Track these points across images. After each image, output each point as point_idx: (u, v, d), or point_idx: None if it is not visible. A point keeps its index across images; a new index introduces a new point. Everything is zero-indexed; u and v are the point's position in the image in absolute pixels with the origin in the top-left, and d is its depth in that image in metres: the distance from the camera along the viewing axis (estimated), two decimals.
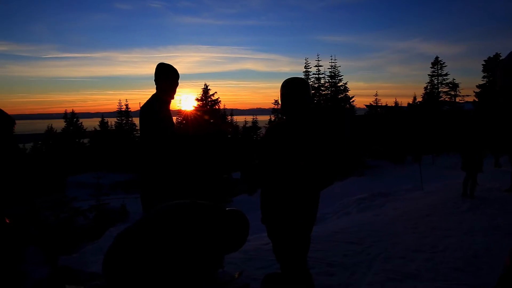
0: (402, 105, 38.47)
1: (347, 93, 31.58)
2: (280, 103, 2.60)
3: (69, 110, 43.41)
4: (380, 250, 4.47)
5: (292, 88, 2.52)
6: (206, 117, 28.05)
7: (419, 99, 36.53)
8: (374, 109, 36.18)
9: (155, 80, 3.33)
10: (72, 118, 41.83)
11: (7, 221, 1.67)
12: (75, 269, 3.40)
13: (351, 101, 31.72)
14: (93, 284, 3.11)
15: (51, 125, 41.60)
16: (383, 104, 37.13)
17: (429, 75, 35.25)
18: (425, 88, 35.43)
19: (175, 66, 3.40)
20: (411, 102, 37.80)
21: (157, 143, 3.21)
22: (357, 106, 34.22)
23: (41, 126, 46.42)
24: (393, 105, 38.17)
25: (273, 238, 2.53)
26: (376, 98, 36.71)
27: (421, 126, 29.82)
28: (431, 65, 35.21)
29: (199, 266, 1.84)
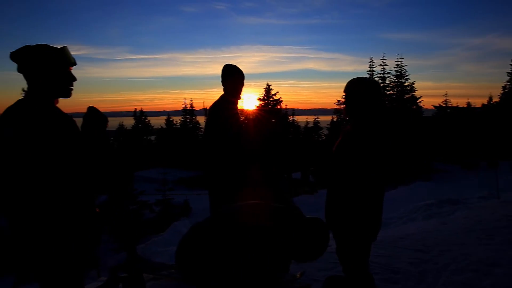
0: (475, 106, 35.89)
1: (414, 93, 30.13)
2: (344, 104, 2.52)
3: (138, 108, 46.01)
4: (449, 260, 4.21)
5: (356, 89, 2.42)
6: (268, 116, 28.31)
7: (496, 99, 33.89)
8: (443, 110, 34.10)
9: (222, 81, 3.42)
10: (140, 116, 44.34)
11: (97, 211, 1.82)
12: (145, 259, 3.62)
13: (418, 101, 30.22)
14: (161, 273, 3.29)
15: (122, 122, 44.44)
16: (454, 105, 34.85)
17: (508, 73, 32.59)
18: (503, 87, 32.76)
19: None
20: (485, 103, 35.19)
21: (222, 142, 3.31)
22: (425, 107, 32.46)
23: (113, 123, 49.66)
24: (465, 106, 35.70)
25: (337, 240, 2.49)
26: (446, 99, 34.51)
27: (498, 129, 27.60)
28: (511, 62, 32.50)
29: (267, 268, 1.87)
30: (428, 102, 55.44)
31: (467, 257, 4.36)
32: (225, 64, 3.45)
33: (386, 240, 4.95)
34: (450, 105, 34.45)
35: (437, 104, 34.76)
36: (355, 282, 2.44)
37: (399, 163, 21.15)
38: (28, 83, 1.78)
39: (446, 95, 34.68)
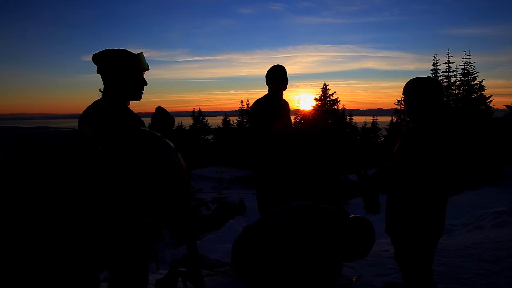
0: None
1: (483, 92, 28.13)
2: (404, 105, 2.42)
3: (197, 108, 47.45)
4: None
5: (416, 90, 2.30)
6: (325, 116, 27.95)
7: None
8: None
9: (266, 81, 3.74)
10: (199, 116, 45.73)
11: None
12: (202, 255, 3.73)
13: (487, 101, 28.18)
14: (217, 270, 3.37)
15: (181, 122, 46.03)
16: None
17: None
18: None
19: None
20: None
21: (264, 137, 3.52)
22: (495, 106, 30.18)
23: None
24: None
25: (397, 245, 2.40)
26: None
27: None
28: None
29: (317, 268, 1.86)
30: (499, 101, 51.29)
31: None
32: (273, 65, 3.76)
33: (449, 248, 4.66)
34: None
35: (510, 104, 32.17)
36: None
37: (465, 166, 19.87)
38: (104, 84, 1.90)
39: None
